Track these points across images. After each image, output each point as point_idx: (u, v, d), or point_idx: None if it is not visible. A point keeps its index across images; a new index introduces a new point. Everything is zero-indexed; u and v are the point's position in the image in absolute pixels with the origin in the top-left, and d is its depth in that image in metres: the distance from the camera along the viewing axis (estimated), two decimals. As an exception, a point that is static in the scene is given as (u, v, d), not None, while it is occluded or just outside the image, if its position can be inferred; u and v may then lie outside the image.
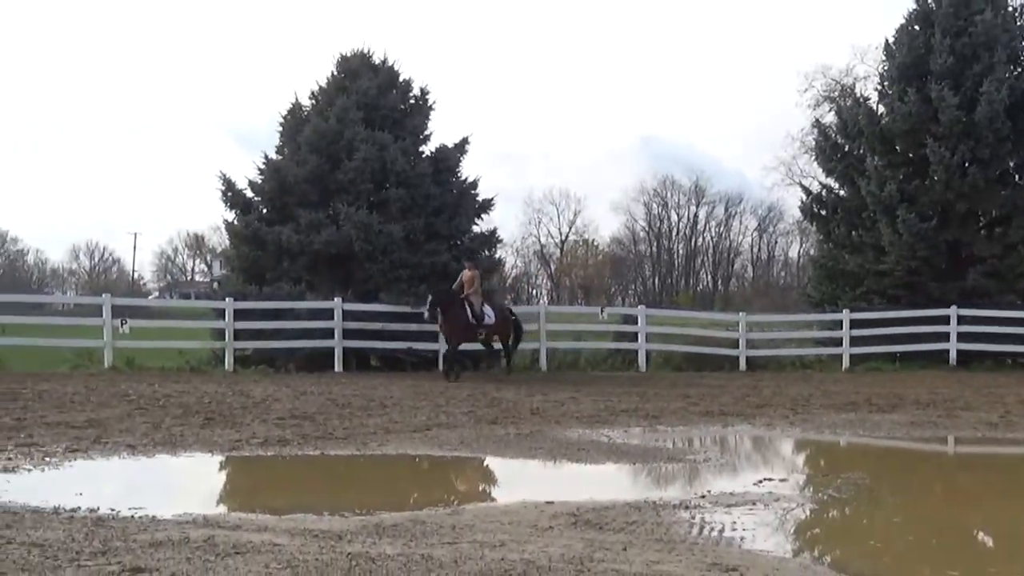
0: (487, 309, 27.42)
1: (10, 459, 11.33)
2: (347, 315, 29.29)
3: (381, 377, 26.99)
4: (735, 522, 8.87)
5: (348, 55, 34.16)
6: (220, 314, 29.74)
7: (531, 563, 6.91)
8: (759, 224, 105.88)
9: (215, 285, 55.61)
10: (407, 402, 19.23)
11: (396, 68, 34.28)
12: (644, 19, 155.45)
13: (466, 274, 27.57)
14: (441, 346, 28.71)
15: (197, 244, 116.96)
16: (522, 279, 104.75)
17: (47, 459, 11.50)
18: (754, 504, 9.78)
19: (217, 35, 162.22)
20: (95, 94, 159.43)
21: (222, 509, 9.23)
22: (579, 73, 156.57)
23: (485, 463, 12.94)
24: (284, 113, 33.82)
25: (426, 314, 26.72)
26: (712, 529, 8.57)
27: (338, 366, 28.96)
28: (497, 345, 28.44)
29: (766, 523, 9.02)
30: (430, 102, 34.26)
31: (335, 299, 29.35)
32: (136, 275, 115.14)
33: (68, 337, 31.81)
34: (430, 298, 26.77)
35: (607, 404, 19.57)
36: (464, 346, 27.83)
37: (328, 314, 29.22)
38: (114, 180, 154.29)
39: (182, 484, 11.42)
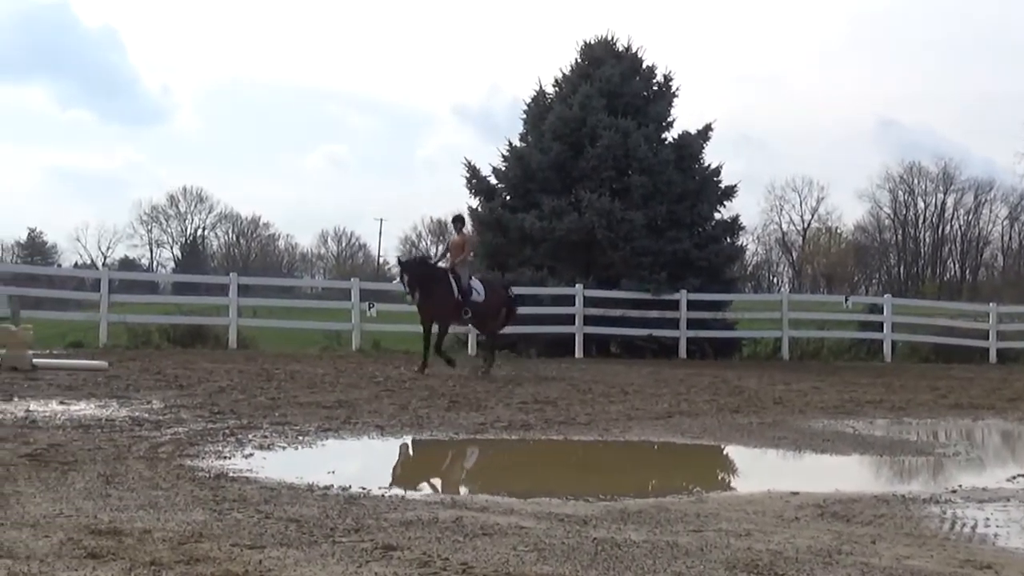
0: (475, 283, 22.44)
1: (265, 437, 11.70)
2: (588, 301, 29.45)
3: (621, 364, 27.01)
4: (988, 518, 8.57)
5: (591, 42, 34.31)
6: (463, 299, 30.13)
7: (778, 554, 6.82)
8: (1010, 212, 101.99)
9: (458, 270, 56.35)
10: (648, 389, 19.21)
11: (639, 54, 34.29)
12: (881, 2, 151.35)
13: (454, 239, 22.96)
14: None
15: (440, 230, 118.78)
16: (763, 267, 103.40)
17: (300, 438, 11.84)
18: (1008, 500, 9.43)
19: (461, 22, 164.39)
20: (345, 84, 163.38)
21: (469, 491, 9.36)
22: (819, 56, 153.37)
23: (727, 452, 12.82)
24: (528, 101, 34.17)
25: (407, 297, 22.03)
26: (964, 525, 8.30)
27: (579, 352, 29.14)
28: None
29: (1021, 521, 8.70)
30: (673, 88, 34.19)
31: (576, 285, 29.52)
32: (381, 260, 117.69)
33: (317, 320, 32.74)
34: (404, 275, 21.68)
35: (851, 394, 19.20)
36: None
37: (569, 300, 29.43)
38: (360, 168, 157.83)
39: (429, 465, 11.63)
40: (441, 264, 22.48)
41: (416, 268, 21.89)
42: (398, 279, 22.65)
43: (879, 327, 32.00)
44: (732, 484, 11.12)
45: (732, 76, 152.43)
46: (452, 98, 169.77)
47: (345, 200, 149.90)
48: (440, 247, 52.85)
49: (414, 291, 21.23)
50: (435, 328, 21.73)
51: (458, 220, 23.32)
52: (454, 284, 21.71)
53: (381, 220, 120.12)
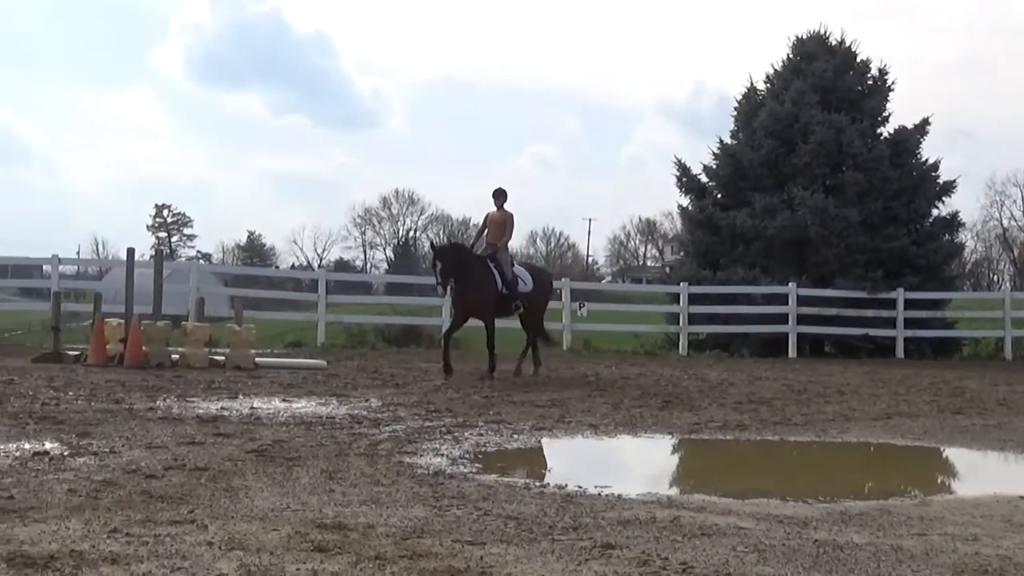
0: (519, 271, 19.90)
1: (481, 434, 11.82)
2: (801, 300, 29.07)
3: (836, 363, 26.58)
4: None
5: (804, 37, 33.89)
6: (674, 298, 30.17)
7: (1008, 559, 6.61)
8: None
9: (667, 270, 56.29)
10: (864, 389, 18.84)
11: (853, 49, 33.66)
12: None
13: (494, 215, 19.81)
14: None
15: (649, 230, 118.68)
16: (983, 264, 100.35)
17: (515, 436, 11.94)
18: None
19: (666, 21, 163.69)
20: (552, 84, 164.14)
21: (685, 490, 9.30)
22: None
23: (950, 454, 12.47)
24: (738, 97, 33.90)
25: (439, 289, 19.20)
26: None
27: (792, 351, 28.80)
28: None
29: None
30: (888, 82, 33.52)
31: (789, 284, 29.16)
32: (590, 259, 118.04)
33: (529, 319, 32.91)
34: (438, 263, 18.78)
35: (1083, 396, 18.52)
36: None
37: (782, 299, 29.09)
38: (568, 168, 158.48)
39: (644, 464, 11.60)
40: (479, 247, 19.75)
41: (452, 255, 19.03)
42: (431, 267, 19.69)
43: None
44: (956, 487, 10.81)
45: (948, 68, 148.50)
46: (657, 96, 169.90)
47: (553, 200, 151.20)
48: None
49: (447, 281, 18.55)
50: (480, 324, 19.52)
51: (499, 194, 19.75)
52: (496, 272, 19.11)
53: (590, 220, 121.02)
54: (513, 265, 19.67)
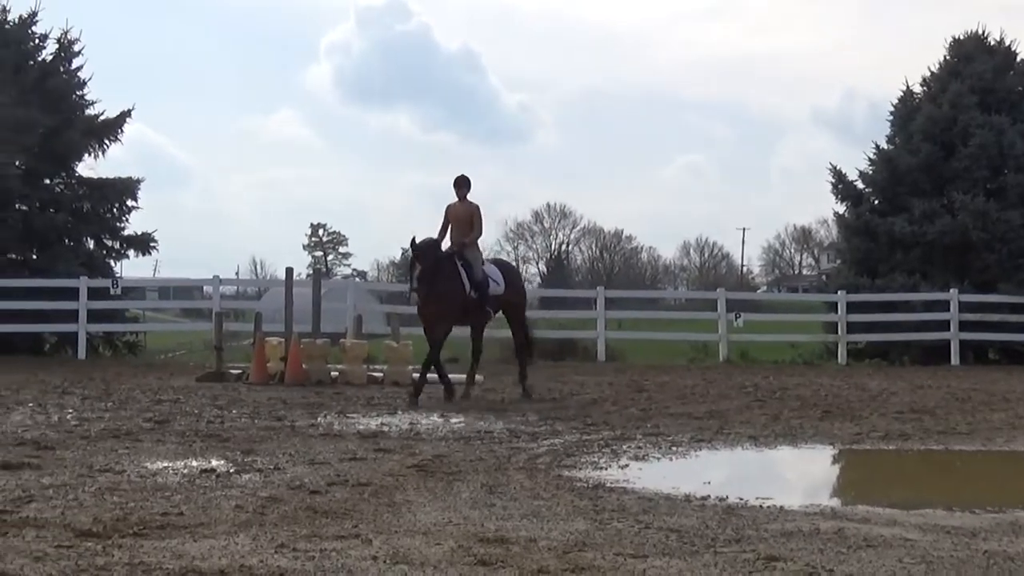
0: (490, 270, 17.28)
1: (640, 448, 11.79)
2: (963, 307, 28.46)
3: (1001, 370, 26.01)
4: None
5: (961, 38, 33.17)
6: (832, 307, 29.81)
7: None
8: None
9: (824, 278, 55.65)
10: (1033, 397, 18.38)
11: (1013, 48, 32.88)
12: None
13: (457, 208, 17.14)
14: None
15: (804, 238, 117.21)
16: None
17: (674, 448, 11.88)
18: None
19: (812, 27, 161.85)
20: (699, 93, 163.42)
21: (848, 501, 9.16)
22: None
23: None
24: (893, 102, 33.34)
25: (413, 295, 16.51)
26: None
27: (954, 359, 28.20)
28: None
29: None
30: (1052, 81, 32.66)
31: (951, 290, 28.58)
32: (744, 269, 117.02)
33: (683, 331, 32.84)
34: (416, 265, 16.26)
35: None
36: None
37: (943, 306, 28.52)
38: (719, 178, 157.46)
39: (806, 475, 11.46)
40: (443, 245, 16.92)
41: (432, 254, 16.41)
42: (409, 269, 17.07)
43: None
44: None
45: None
46: (808, 103, 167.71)
47: (705, 210, 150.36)
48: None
49: (424, 287, 16.05)
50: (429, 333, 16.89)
51: (462, 183, 17.06)
52: (464, 273, 16.63)
53: (744, 229, 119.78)
54: (483, 263, 17.18)
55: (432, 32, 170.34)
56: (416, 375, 17.36)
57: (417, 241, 16.41)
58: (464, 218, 16.89)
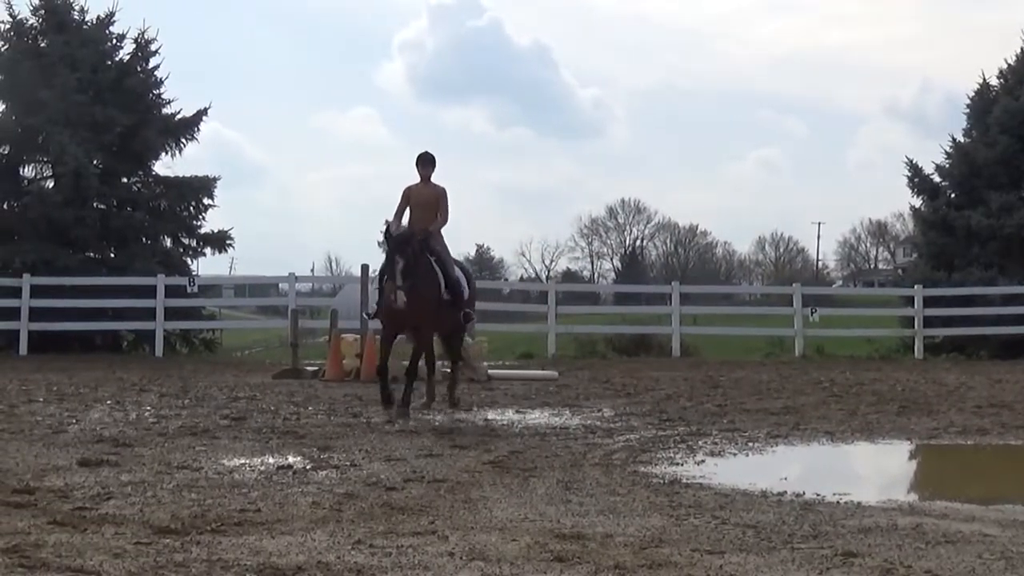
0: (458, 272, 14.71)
1: (715, 443, 11.76)
2: (1043, 300, 28.09)
3: (1083, 364, 25.60)
4: None
5: (1036, 29, 32.72)
6: (908, 301, 29.54)
7: None
8: None
9: (900, 272, 55.17)
10: (1115, 391, 18.12)
11: (1091, 39, 32.42)
12: None
13: (419, 189, 14.61)
14: None
15: (879, 232, 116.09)
16: None
17: (750, 444, 11.83)
18: None
19: (887, 20, 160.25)
20: (773, 86, 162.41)
21: (926, 497, 9.09)
22: None
23: None
24: (970, 94, 32.99)
25: (396, 292, 13.17)
26: None
27: (1033, 353, 27.82)
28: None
29: None
30: None
31: (1029, 284, 28.25)
32: (820, 264, 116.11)
33: (758, 326, 32.69)
34: (398, 260, 13.35)
35: None
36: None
37: (1021, 299, 28.18)
38: (793, 172, 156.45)
39: (882, 470, 11.39)
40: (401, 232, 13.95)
41: (411, 248, 13.57)
42: (385, 264, 13.99)
43: None
44: None
45: None
46: (882, 96, 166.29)
47: (780, 205, 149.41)
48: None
49: (408, 284, 13.25)
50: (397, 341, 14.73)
51: (426, 160, 14.53)
52: (438, 271, 14.16)
53: (819, 224, 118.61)
54: (456, 263, 14.99)
55: (504, 27, 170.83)
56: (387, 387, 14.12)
57: (392, 230, 13.96)
58: (429, 202, 14.39)
